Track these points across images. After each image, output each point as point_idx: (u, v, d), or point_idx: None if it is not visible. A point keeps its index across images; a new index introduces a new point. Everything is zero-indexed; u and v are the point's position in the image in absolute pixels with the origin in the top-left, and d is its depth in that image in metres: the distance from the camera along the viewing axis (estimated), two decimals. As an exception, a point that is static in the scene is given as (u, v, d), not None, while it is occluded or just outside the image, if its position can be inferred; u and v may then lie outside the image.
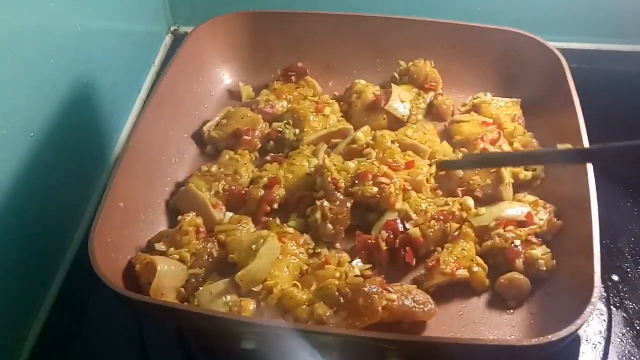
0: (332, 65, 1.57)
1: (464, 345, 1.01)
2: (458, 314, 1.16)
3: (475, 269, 1.18)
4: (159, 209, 1.31)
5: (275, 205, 1.29)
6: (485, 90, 1.49)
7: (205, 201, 1.27)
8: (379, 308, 1.08)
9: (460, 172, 1.29)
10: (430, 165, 1.33)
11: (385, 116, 1.43)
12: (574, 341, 1.16)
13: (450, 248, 1.20)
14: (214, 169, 1.33)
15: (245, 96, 1.53)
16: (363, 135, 1.37)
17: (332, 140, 1.41)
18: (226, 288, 1.12)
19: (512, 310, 1.16)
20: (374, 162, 1.29)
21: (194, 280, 1.16)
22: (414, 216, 1.23)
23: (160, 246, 1.20)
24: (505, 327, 1.14)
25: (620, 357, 1.16)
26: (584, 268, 1.08)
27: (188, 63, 1.47)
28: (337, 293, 1.09)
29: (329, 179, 1.26)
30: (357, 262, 1.19)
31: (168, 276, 1.13)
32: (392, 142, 1.35)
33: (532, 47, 1.43)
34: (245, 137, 1.40)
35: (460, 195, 1.28)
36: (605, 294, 1.23)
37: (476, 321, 1.15)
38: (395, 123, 1.43)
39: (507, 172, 1.28)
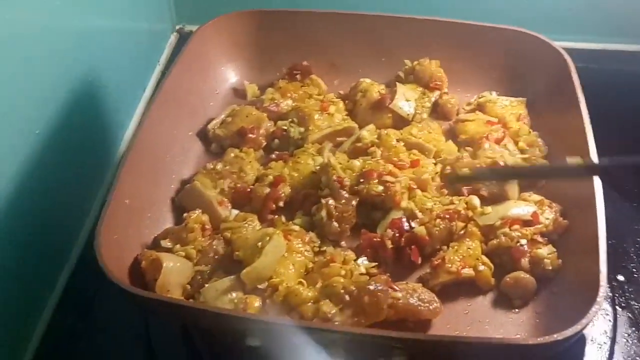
0: (337, 64, 1.57)
1: (470, 343, 1.01)
2: (463, 312, 1.16)
3: (481, 267, 1.17)
4: (164, 206, 1.31)
5: (281, 203, 1.29)
6: (490, 89, 1.49)
7: (211, 199, 1.27)
8: (385, 306, 1.08)
9: (465, 171, 1.29)
10: (435, 164, 1.33)
11: (390, 115, 1.43)
12: (580, 341, 1.16)
13: (455, 247, 1.20)
14: (219, 166, 1.33)
15: (251, 94, 1.53)
16: (368, 133, 1.37)
17: (337, 138, 1.41)
18: (232, 285, 1.12)
19: (517, 310, 1.15)
20: (379, 161, 1.29)
21: (199, 277, 1.16)
22: (419, 215, 1.23)
23: (166, 243, 1.20)
24: (511, 326, 1.13)
25: (625, 357, 1.16)
26: (590, 268, 1.08)
27: (193, 62, 1.47)
28: (342, 291, 1.09)
29: (334, 177, 1.26)
30: (363, 261, 1.19)
31: (174, 273, 1.13)
32: (398, 140, 1.34)
33: (538, 46, 1.43)
34: (250, 135, 1.40)
35: (466, 194, 1.27)
36: (610, 294, 1.23)
37: (481, 320, 1.14)
38: (401, 122, 1.43)
39: (512, 171, 1.29)
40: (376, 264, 1.19)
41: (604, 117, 1.28)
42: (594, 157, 1.20)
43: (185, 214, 1.24)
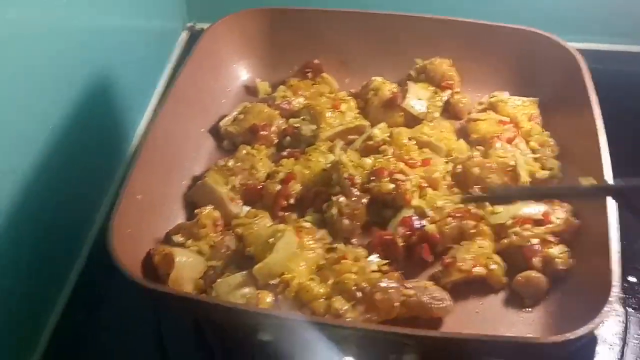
0: (348, 62, 1.57)
1: (482, 341, 1.01)
2: (475, 311, 1.15)
3: (492, 266, 1.17)
4: (176, 202, 1.31)
5: (292, 200, 1.29)
6: (502, 89, 1.48)
7: (222, 195, 1.27)
8: (396, 303, 1.08)
9: (476, 170, 1.29)
10: (446, 163, 1.33)
11: (401, 114, 1.43)
12: (591, 341, 1.16)
13: (467, 245, 1.19)
14: (230, 163, 1.33)
15: (262, 92, 1.54)
16: (380, 132, 1.37)
17: (349, 136, 1.41)
18: (244, 281, 1.12)
19: (529, 309, 1.15)
20: (391, 159, 1.29)
21: (211, 272, 1.16)
22: (430, 213, 1.23)
23: (178, 238, 1.21)
24: (522, 325, 1.13)
25: (636, 358, 1.15)
26: (602, 267, 1.08)
27: (205, 59, 1.48)
28: (354, 288, 1.09)
29: (346, 175, 1.26)
30: (374, 258, 1.19)
31: (186, 268, 1.14)
32: (409, 139, 1.34)
33: (550, 46, 1.43)
34: (262, 132, 1.40)
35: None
36: (622, 295, 1.23)
37: (493, 319, 1.14)
38: (412, 121, 1.43)
39: (523, 171, 1.28)
40: (387, 261, 1.18)
41: (616, 117, 1.28)
42: (607, 158, 1.20)
43: (197, 210, 1.24)
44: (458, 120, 1.46)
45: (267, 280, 1.12)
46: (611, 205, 1.13)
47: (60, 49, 1.24)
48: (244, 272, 1.13)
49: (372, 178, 1.26)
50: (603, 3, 1.67)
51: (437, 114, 1.45)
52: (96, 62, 1.38)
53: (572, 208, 1.23)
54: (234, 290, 1.11)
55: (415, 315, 1.11)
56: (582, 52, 1.41)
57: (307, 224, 1.23)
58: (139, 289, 1.06)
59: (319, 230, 1.23)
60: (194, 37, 1.79)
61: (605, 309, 1.00)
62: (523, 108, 1.42)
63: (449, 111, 1.48)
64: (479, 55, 1.50)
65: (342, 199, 1.24)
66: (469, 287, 1.17)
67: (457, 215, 1.22)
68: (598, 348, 1.16)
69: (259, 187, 1.31)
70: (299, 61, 1.55)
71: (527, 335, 1.11)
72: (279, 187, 1.29)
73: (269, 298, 1.10)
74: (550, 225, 1.20)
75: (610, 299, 1.01)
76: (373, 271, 1.15)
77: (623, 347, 1.17)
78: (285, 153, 1.38)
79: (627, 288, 1.24)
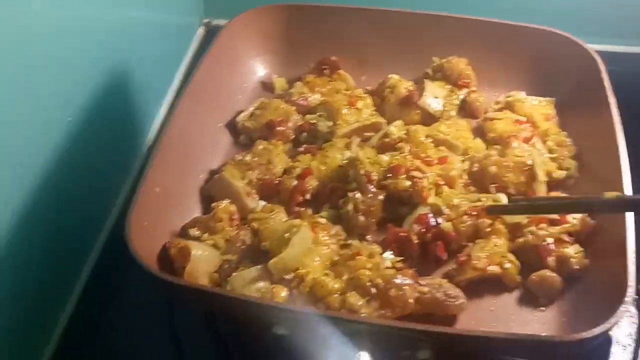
0: (365, 59, 1.57)
1: (497, 338, 1.01)
2: (489, 309, 1.15)
3: (507, 265, 1.17)
4: (193, 195, 1.32)
5: (308, 196, 1.29)
6: (519, 88, 1.48)
7: (239, 189, 1.27)
8: (411, 300, 1.09)
9: (493, 169, 1.29)
10: (463, 161, 1.33)
11: (418, 112, 1.43)
12: (605, 342, 1.16)
13: (482, 244, 1.20)
14: (247, 158, 1.34)
15: (279, 88, 1.54)
16: (396, 129, 1.38)
17: (365, 133, 1.41)
18: (259, 275, 1.13)
19: (543, 308, 1.15)
20: (407, 157, 1.29)
21: (226, 266, 1.17)
22: (446, 211, 1.23)
23: (194, 232, 1.21)
24: (536, 324, 1.13)
25: (650, 359, 1.16)
26: (618, 267, 1.07)
27: (222, 55, 1.48)
28: (369, 284, 1.09)
29: (362, 171, 1.26)
30: (389, 255, 1.19)
31: (202, 261, 1.14)
32: (426, 137, 1.35)
33: (568, 46, 1.43)
34: (279, 128, 1.40)
35: (494, 192, 1.27)
36: (635, 297, 1.22)
37: (507, 317, 1.14)
38: (428, 119, 1.43)
39: (540, 170, 1.28)
40: (402, 258, 1.19)
41: (632, 119, 1.28)
42: (625, 159, 1.20)
43: (213, 204, 1.25)
44: (474, 119, 1.46)
45: (282, 275, 1.12)
46: (628, 206, 1.13)
47: (78, 43, 1.24)
48: (259, 267, 1.14)
49: (388, 175, 1.26)
50: (620, 5, 1.67)
51: (453, 113, 1.45)
52: (114, 57, 1.39)
53: (588, 208, 1.23)
54: (249, 284, 1.12)
55: (429, 312, 1.11)
56: (599, 53, 1.41)
57: (323, 220, 1.24)
58: (155, 281, 1.07)
59: (334, 226, 1.24)
60: (211, 33, 1.80)
61: (621, 308, 1.00)
62: (540, 108, 1.42)
63: (465, 110, 1.47)
64: (496, 54, 1.50)
65: (358, 195, 1.24)
66: (483, 285, 1.17)
67: (473, 213, 1.22)
68: (612, 349, 1.16)
69: (275, 182, 1.31)
70: (315, 58, 1.55)
71: (541, 334, 1.11)
72: (295, 182, 1.29)
73: (283, 292, 1.11)
74: (566, 225, 1.20)
75: (626, 299, 1.01)
76: (387, 268, 1.15)
77: (636, 349, 1.17)
78: (301, 149, 1.39)
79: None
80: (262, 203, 1.29)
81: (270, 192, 1.31)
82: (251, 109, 1.46)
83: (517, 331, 1.11)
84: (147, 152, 1.52)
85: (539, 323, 1.13)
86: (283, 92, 1.52)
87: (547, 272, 1.16)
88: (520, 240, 1.21)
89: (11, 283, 1.11)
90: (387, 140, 1.36)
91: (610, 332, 1.10)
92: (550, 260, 1.17)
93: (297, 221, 1.20)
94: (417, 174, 1.25)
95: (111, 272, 1.32)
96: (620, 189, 1.16)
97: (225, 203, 1.25)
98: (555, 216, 1.21)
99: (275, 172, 1.33)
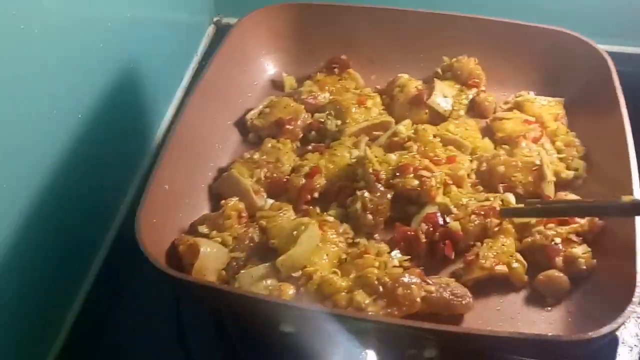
0: (375, 58, 1.57)
1: (504, 338, 1.01)
2: (496, 308, 1.16)
3: (515, 265, 1.17)
4: (202, 193, 1.32)
5: (316, 194, 1.30)
6: (528, 88, 1.48)
7: (248, 187, 1.28)
8: (418, 298, 1.09)
9: (502, 168, 1.29)
10: (471, 161, 1.34)
11: (427, 111, 1.44)
12: (611, 342, 1.16)
13: (490, 243, 1.20)
14: (256, 156, 1.34)
15: (288, 87, 1.55)
16: (405, 128, 1.38)
17: (374, 132, 1.41)
18: (267, 272, 1.13)
19: (550, 308, 1.15)
20: (416, 156, 1.30)
21: (235, 263, 1.17)
22: (454, 210, 1.23)
23: (203, 229, 1.22)
24: (543, 324, 1.13)
25: (656, 361, 1.16)
26: (625, 268, 1.07)
27: (233, 53, 1.49)
28: (376, 282, 1.10)
29: (371, 170, 1.26)
30: (396, 254, 1.19)
31: (210, 258, 1.15)
32: (434, 136, 1.35)
33: (578, 46, 1.43)
34: (288, 126, 1.41)
35: (502, 192, 1.28)
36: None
37: (513, 317, 1.14)
38: (437, 118, 1.43)
39: (549, 170, 1.28)
40: (409, 257, 1.19)
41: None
42: (634, 160, 1.20)
43: (222, 201, 1.26)
44: (483, 119, 1.46)
45: (289, 273, 1.13)
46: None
47: (88, 41, 1.25)
48: (267, 264, 1.14)
49: (396, 174, 1.27)
50: (630, 5, 1.66)
51: (462, 112, 1.45)
52: (123, 55, 1.40)
53: (596, 209, 1.23)
54: (257, 282, 1.12)
55: (436, 311, 1.11)
56: (608, 54, 1.41)
57: (331, 218, 1.24)
58: (164, 278, 1.07)
59: (342, 224, 1.24)
60: (221, 31, 1.81)
61: (628, 309, 1.00)
62: (549, 108, 1.42)
63: (475, 109, 1.47)
64: (506, 54, 1.50)
65: (366, 194, 1.24)
66: (490, 285, 1.17)
67: (481, 213, 1.22)
68: (618, 349, 1.16)
69: (283, 180, 1.32)
70: (325, 56, 1.56)
71: (548, 333, 1.11)
72: (303, 180, 1.30)
73: (291, 290, 1.11)
74: (574, 225, 1.20)
75: (633, 299, 1.01)
76: (394, 266, 1.16)
77: (643, 350, 1.17)
78: (310, 147, 1.39)
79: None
80: (270, 201, 1.30)
81: (278, 190, 1.32)
82: (260, 107, 1.47)
83: (524, 331, 1.12)
84: (156, 149, 1.53)
85: (546, 323, 1.13)
86: (292, 91, 1.52)
87: (554, 272, 1.16)
88: (528, 240, 1.21)
89: (19, 281, 1.12)
90: (395, 139, 1.37)
91: (617, 333, 1.10)
92: (558, 260, 1.18)
93: (305, 219, 1.20)
94: (426, 173, 1.25)
95: (119, 270, 1.33)
96: (629, 190, 1.16)
97: (233, 201, 1.25)
98: (564, 216, 1.21)
99: (284, 170, 1.33)
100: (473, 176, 1.32)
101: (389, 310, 1.08)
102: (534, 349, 1.02)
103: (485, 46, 1.50)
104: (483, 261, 1.17)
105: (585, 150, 1.35)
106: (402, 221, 1.25)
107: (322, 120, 1.43)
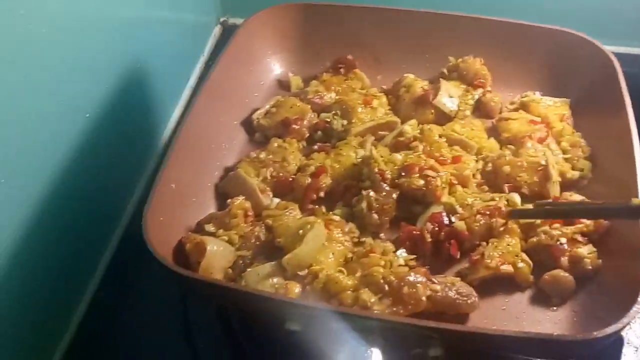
0: (381, 59, 1.58)
1: (509, 337, 1.01)
2: (501, 308, 1.16)
3: (520, 264, 1.18)
4: (208, 192, 1.33)
5: (322, 194, 1.30)
6: (534, 89, 1.48)
7: (254, 186, 1.29)
8: (423, 297, 1.09)
9: (507, 169, 1.29)
10: (477, 161, 1.34)
11: (432, 111, 1.44)
12: (617, 342, 1.16)
13: (495, 243, 1.20)
14: (262, 155, 1.35)
15: (295, 86, 1.55)
16: (410, 128, 1.39)
17: (379, 132, 1.41)
18: (273, 271, 1.14)
19: (555, 308, 1.15)
20: (421, 156, 1.30)
21: (241, 262, 1.18)
22: (459, 210, 1.23)
23: (209, 227, 1.22)
24: (548, 324, 1.13)
25: (662, 361, 1.16)
26: (630, 268, 1.08)
27: (239, 53, 1.49)
28: (382, 281, 1.10)
29: (376, 169, 1.27)
30: (402, 253, 1.20)
31: (217, 256, 1.16)
32: (440, 136, 1.35)
33: (584, 47, 1.43)
34: (294, 126, 1.41)
35: (507, 192, 1.28)
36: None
37: (519, 316, 1.15)
38: (443, 118, 1.44)
39: (554, 171, 1.28)
40: (415, 256, 1.19)
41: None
42: (639, 161, 1.20)
43: (229, 200, 1.26)
44: (489, 119, 1.46)
45: (295, 271, 1.13)
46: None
47: (95, 41, 1.26)
48: (273, 263, 1.15)
49: (402, 174, 1.27)
50: (636, 6, 1.66)
51: (468, 112, 1.45)
52: (130, 55, 1.40)
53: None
54: (263, 280, 1.13)
55: (441, 310, 1.11)
56: (614, 54, 1.41)
57: (336, 217, 1.25)
58: (171, 275, 1.08)
59: (348, 223, 1.25)
60: (227, 31, 1.82)
61: (633, 309, 1.00)
62: (554, 108, 1.42)
63: (480, 110, 1.48)
64: (512, 54, 1.50)
65: (372, 193, 1.25)
66: (495, 285, 1.18)
67: (486, 212, 1.22)
68: (624, 350, 1.16)
69: (289, 179, 1.32)
70: (331, 56, 1.56)
71: (553, 333, 1.11)
72: (309, 180, 1.30)
73: (297, 288, 1.12)
74: (580, 225, 1.21)
75: (639, 299, 1.01)
76: (400, 265, 1.16)
77: (648, 350, 1.17)
78: (316, 147, 1.40)
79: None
80: (277, 200, 1.31)
81: (284, 189, 1.32)
82: (267, 106, 1.47)
83: (529, 330, 1.12)
84: (163, 149, 1.54)
85: (551, 322, 1.14)
86: (299, 91, 1.53)
87: (560, 272, 1.17)
88: (534, 239, 1.21)
89: (28, 278, 1.12)
90: (401, 139, 1.37)
91: (623, 333, 1.10)
92: (564, 260, 1.18)
93: (311, 218, 1.20)
94: (431, 173, 1.26)
95: (127, 268, 1.34)
96: (635, 191, 1.15)
97: (240, 199, 1.26)
98: (569, 216, 1.22)
99: (290, 170, 1.34)
100: (478, 176, 1.32)
101: (394, 309, 1.08)
102: (539, 348, 1.02)
103: (491, 47, 1.50)
104: (488, 261, 1.17)
105: (591, 151, 1.35)
106: (408, 221, 1.25)
107: (328, 120, 1.43)
